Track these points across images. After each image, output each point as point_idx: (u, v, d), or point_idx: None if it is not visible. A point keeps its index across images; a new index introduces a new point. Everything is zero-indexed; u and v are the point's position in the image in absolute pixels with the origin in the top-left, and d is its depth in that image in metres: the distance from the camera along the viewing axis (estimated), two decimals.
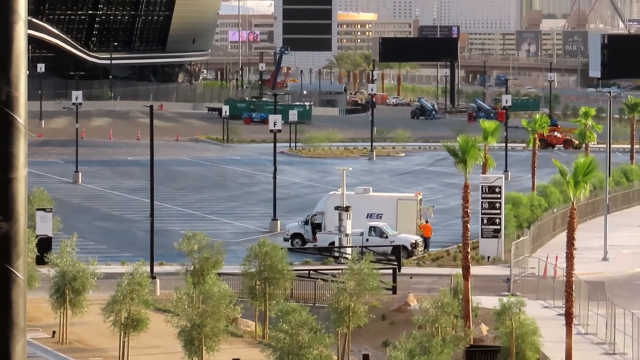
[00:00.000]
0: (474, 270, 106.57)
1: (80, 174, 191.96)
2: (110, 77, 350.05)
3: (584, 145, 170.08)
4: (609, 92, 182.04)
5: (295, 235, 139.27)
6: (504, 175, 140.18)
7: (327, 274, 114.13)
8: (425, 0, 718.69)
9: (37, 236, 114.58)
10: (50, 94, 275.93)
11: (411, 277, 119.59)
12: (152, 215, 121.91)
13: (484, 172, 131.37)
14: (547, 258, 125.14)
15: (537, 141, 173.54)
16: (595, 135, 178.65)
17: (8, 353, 11.21)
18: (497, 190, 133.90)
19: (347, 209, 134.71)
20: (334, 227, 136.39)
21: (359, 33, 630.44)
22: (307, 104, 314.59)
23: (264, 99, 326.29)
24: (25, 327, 11.33)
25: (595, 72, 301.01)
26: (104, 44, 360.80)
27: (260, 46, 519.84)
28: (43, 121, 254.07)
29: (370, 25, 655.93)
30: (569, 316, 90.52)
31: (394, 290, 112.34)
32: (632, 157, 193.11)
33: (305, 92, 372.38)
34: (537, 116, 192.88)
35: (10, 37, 11.27)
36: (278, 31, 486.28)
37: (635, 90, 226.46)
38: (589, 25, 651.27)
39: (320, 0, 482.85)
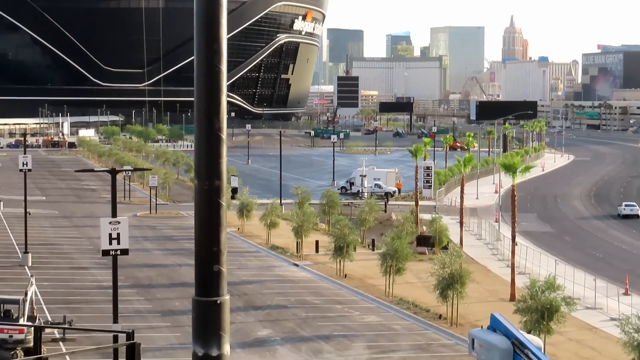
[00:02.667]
0: (420, 202, 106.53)
1: (250, 159, 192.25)
2: (262, 118, 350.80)
3: (468, 149, 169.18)
4: (479, 125, 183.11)
5: (342, 187, 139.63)
6: (433, 162, 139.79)
7: (356, 204, 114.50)
8: (399, 84, 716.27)
9: (231, 187, 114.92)
10: (236, 126, 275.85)
11: (399, 208, 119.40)
12: (280, 177, 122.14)
13: (424, 160, 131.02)
14: (452, 199, 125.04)
15: (448, 147, 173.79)
16: (474, 144, 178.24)
17: (219, 237, 11.18)
18: (429, 168, 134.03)
19: (364, 176, 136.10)
20: (359, 184, 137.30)
21: (370, 99, 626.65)
22: (347, 130, 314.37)
23: (329, 128, 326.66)
24: (226, 226, 11.32)
25: (473, 117, 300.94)
26: (260, 103, 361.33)
27: (328, 105, 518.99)
28: (233, 137, 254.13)
29: (374, 96, 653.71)
30: (461, 224, 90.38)
31: (385, 211, 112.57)
32: (488, 154, 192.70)
33: (352, 125, 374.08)
34: (447, 136, 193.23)
35: (219, 101, 11.24)
36: (335, 98, 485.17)
37: (490, 125, 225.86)
38: (471, 96, 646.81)
39: (352, 85, 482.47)
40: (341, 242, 73.88)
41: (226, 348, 11.51)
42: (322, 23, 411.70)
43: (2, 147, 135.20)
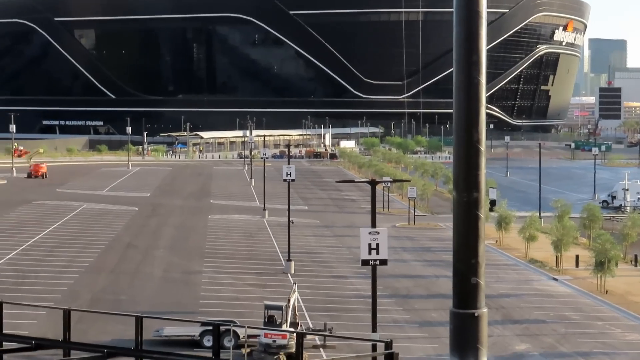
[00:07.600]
0: None
1: (508, 172, 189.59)
2: (521, 129, 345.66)
3: None
4: None
5: (604, 201, 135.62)
6: None
7: (618, 218, 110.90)
8: None
9: (489, 200, 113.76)
10: (494, 137, 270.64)
11: None
12: (539, 190, 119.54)
13: None
14: None
15: None
16: None
17: (477, 249, 11.15)
18: None
19: (627, 190, 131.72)
20: (622, 197, 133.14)
21: (633, 111, 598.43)
22: (609, 143, 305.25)
23: (590, 140, 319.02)
24: (484, 238, 11.27)
25: None
26: (519, 115, 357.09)
27: (589, 117, 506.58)
28: (492, 149, 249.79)
29: (638, 107, 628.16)
30: None
31: None
32: None
33: (614, 137, 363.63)
34: None
35: (478, 112, 11.25)
36: (596, 110, 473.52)
37: None
38: None
39: (615, 96, 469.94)
40: (602, 257, 71.84)
41: None
42: (584, 33, 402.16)
43: (267, 158, 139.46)
